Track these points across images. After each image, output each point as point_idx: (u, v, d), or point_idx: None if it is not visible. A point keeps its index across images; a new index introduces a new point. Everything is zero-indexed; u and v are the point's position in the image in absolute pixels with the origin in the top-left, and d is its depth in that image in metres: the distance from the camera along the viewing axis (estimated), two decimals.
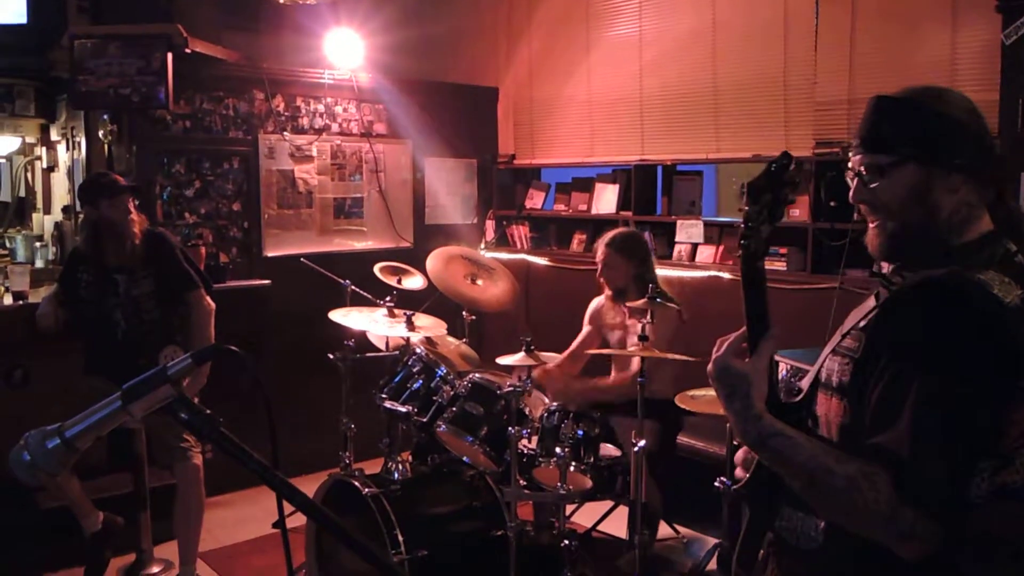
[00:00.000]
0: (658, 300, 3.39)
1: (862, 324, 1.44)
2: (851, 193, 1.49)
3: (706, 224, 4.93)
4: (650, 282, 3.71)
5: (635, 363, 3.68)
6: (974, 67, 3.91)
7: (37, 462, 1.04)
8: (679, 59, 5.12)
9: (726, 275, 4.70)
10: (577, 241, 5.81)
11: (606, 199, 5.60)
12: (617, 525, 4.16)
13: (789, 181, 1.38)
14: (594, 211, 5.67)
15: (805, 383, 1.54)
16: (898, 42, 4.19)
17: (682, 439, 4.11)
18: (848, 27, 4.34)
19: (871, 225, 1.48)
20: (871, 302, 1.50)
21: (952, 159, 1.40)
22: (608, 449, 3.40)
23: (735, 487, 1.63)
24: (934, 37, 4.05)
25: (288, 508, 1.07)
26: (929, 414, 1.25)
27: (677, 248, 5.06)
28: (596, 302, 4.19)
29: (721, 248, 4.88)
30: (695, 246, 4.98)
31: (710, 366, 1.47)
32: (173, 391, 1.04)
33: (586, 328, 4.20)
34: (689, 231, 4.91)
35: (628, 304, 3.78)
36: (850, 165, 1.49)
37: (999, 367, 1.27)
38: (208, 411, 1.07)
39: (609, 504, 4.21)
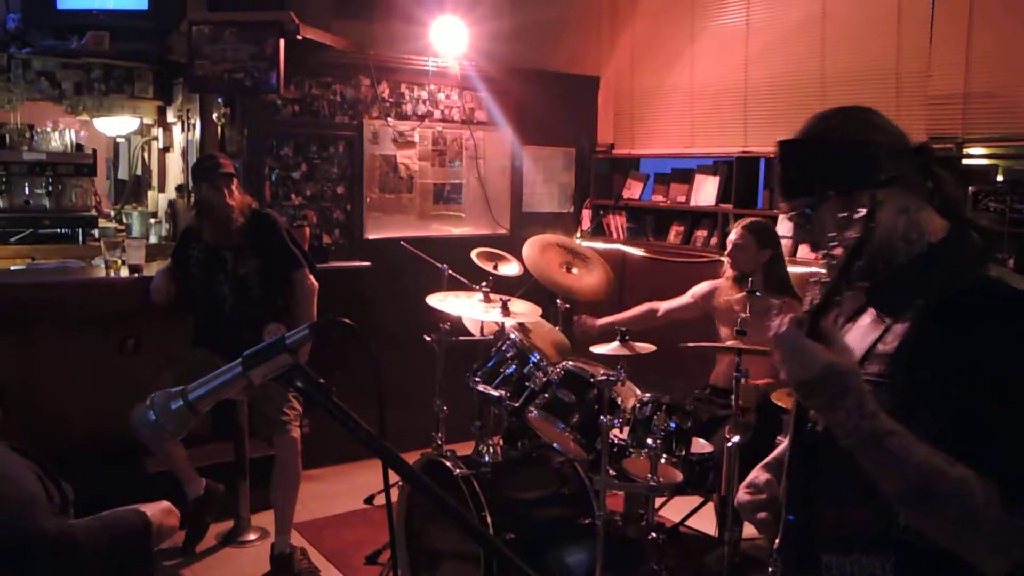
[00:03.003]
0: (757, 294, 3.34)
1: (882, 349, 1.38)
2: (793, 236, 1.49)
3: None
4: (779, 276, 3.70)
5: None
6: None
7: (161, 422, 1.09)
8: (787, 49, 4.99)
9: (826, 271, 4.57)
10: (674, 233, 5.74)
11: (706, 191, 5.52)
12: (705, 522, 4.12)
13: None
14: (693, 203, 5.59)
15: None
16: (1018, 36, 3.99)
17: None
18: (966, 18, 4.15)
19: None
20: (867, 320, 1.46)
21: (870, 178, 1.40)
22: (700, 445, 3.36)
23: (773, 549, 1.51)
24: None
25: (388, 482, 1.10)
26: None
27: None
28: (709, 284, 4.13)
29: None
30: (796, 241, 4.85)
31: (811, 370, 1.23)
32: (291, 360, 1.09)
33: (686, 299, 4.18)
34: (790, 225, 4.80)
35: (725, 297, 3.74)
36: (782, 210, 1.47)
37: None
38: (322, 380, 1.11)
39: (698, 500, 4.17)
